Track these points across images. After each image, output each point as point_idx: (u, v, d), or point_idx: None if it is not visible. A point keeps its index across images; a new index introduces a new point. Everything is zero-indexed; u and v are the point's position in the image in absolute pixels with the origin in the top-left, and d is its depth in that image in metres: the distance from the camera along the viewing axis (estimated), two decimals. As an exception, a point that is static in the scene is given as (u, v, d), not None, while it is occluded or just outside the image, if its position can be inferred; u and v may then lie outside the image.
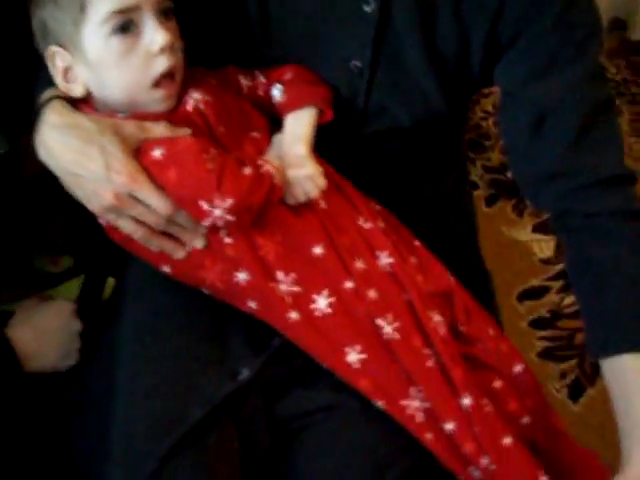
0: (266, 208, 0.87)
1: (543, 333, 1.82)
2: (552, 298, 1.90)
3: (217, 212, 0.83)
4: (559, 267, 1.98)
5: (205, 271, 0.89)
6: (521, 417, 0.94)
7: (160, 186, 0.84)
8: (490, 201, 2.17)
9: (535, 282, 1.94)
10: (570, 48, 0.91)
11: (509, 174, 2.23)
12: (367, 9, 0.92)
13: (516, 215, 2.14)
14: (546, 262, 2.00)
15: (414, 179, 1.08)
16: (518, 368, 0.96)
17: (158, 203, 0.84)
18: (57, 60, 0.89)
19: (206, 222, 0.84)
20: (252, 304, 0.90)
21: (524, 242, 2.07)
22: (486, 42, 0.93)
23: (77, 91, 0.89)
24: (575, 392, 1.68)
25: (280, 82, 0.99)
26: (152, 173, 0.84)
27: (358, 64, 0.96)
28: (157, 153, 0.84)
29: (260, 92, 1.00)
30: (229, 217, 0.83)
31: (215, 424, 0.85)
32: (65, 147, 0.84)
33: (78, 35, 0.86)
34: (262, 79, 1.00)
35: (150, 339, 0.91)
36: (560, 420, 0.99)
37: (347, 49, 0.96)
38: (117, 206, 0.84)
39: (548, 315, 1.86)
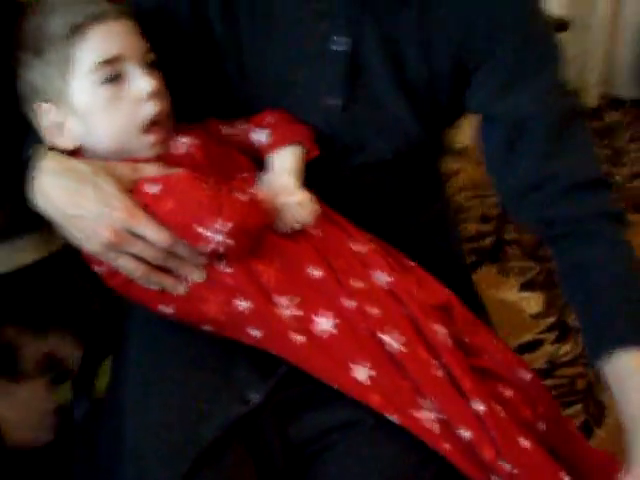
0: (262, 233, 0.89)
1: (544, 383, 1.81)
2: (548, 349, 1.91)
3: (217, 237, 0.84)
4: (550, 320, 2.00)
5: (206, 304, 0.90)
6: (536, 424, 0.94)
7: (158, 219, 0.86)
8: (473, 267, 2.20)
9: (529, 336, 1.95)
10: (531, 64, 0.96)
11: (487, 240, 2.29)
12: (337, 48, 0.97)
13: (502, 277, 2.17)
14: (537, 317, 2.02)
15: (400, 209, 1.10)
16: (527, 376, 0.97)
17: (157, 235, 0.85)
18: (46, 116, 0.92)
19: (207, 248, 0.85)
20: (255, 332, 0.90)
21: (513, 301, 2.09)
22: (453, 69, 0.98)
23: (67, 144, 0.92)
24: (584, 435, 1.66)
25: (262, 127, 1.02)
26: (149, 207, 0.86)
27: (333, 102, 1.00)
28: (153, 188, 0.87)
29: (243, 139, 1.04)
30: (229, 241, 0.85)
31: (229, 447, 0.84)
32: (62, 190, 0.86)
33: (67, 88, 0.90)
34: (244, 127, 1.04)
35: (155, 376, 0.91)
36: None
37: (321, 89, 0.99)
38: (116, 243, 0.85)
39: (546, 366, 1.86)
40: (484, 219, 2.39)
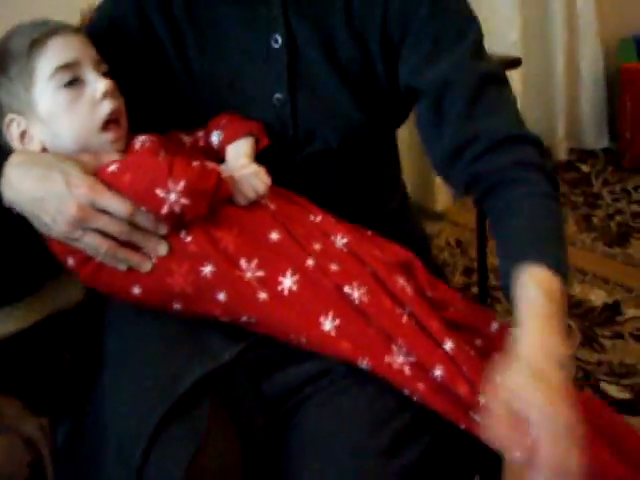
0: (218, 200, 0.93)
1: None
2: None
3: (172, 196, 0.89)
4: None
5: (173, 277, 0.93)
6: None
7: (118, 191, 0.90)
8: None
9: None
10: (450, 33, 1.02)
11: (473, 290, 2.33)
12: (275, 45, 1.04)
13: (490, 315, 2.20)
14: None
15: (355, 199, 1.13)
16: (495, 326, 0.98)
17: (118, 206, 0.90)
18: (13, 127, 0.98)
19: (164, 210, 0.89)
20: (221, 296, 0.92)
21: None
22: (382, 47, 1.04)
23: (34, 149, 0.98)
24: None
25: (219, 129, 1.08)
26: (109, 183, 0.91)
27: (279, 97, 1.06)
28: (112, 167, 0.93)
29: (202, 143, 1.09)
30: (184, 200, 0.89)
31: (202, 401, 0.86)
32: (27, 176, 0.92)
33: (30, 97, 0.97)
34: (201, 133, 1.10)
35: (130, 355, 0.93)
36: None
37: (266, 85, 1.06)
38: (81, 219, 0.89)
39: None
40: (467, 271, 2.46)
